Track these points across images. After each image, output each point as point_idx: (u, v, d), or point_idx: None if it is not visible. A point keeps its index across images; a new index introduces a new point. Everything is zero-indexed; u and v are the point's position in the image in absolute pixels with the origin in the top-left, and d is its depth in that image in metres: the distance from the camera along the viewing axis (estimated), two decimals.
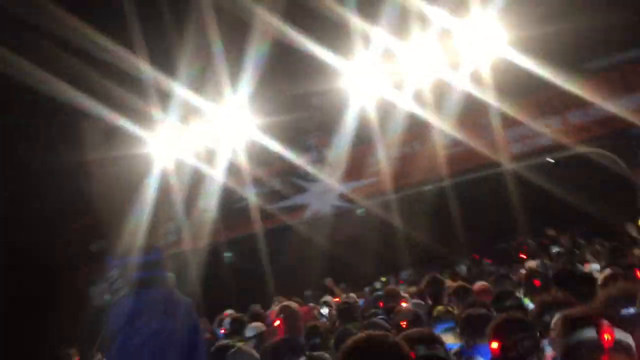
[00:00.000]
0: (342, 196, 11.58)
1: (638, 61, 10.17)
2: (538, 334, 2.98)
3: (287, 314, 6.08)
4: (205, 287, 12.18)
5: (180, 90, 10.24)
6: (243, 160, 11.65)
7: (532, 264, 8.17)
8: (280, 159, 11.60)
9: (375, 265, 13.36)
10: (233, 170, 11.81)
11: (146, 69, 9.42)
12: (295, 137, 11.58)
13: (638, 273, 4.83)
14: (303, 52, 9.62)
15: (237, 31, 9.24)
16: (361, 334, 1.99)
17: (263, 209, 11.75)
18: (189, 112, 11.25)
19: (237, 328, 7.82)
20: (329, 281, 10.11)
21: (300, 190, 11.72)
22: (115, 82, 9.38)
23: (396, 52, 10.60)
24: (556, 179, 10.44)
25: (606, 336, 1.99)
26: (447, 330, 4.44)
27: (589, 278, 4.59)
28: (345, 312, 6.23)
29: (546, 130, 10.57)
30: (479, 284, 6.35)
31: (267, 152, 11.55)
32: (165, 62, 9.77)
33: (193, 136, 11.79)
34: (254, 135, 11.42)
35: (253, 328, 7.06)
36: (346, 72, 10.53)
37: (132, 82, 9.57)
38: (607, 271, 4.83)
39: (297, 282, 12.63)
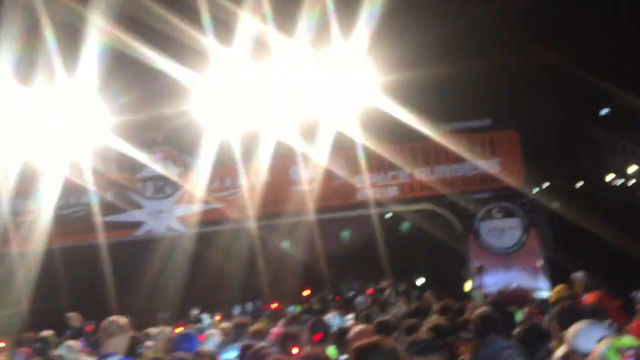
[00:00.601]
0: (181, 219, 10.98)
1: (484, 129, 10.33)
2: None
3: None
4: (35, 294, 11.33)
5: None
6: (85, 163, 10.83)
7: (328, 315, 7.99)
8: (121, 168, 10.87)
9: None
10: (74, 172, 10.97)
11: None
12: (141, 144, 10.85)
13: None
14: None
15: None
16: None
17: (99, 220, 10.96)
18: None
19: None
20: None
21: (136, 206, 11.00)
22: None
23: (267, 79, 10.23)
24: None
25: None
26: None
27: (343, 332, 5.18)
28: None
29: (393, 181, 10.54)
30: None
31: (109, 158, 10.80)
32: None
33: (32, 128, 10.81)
34: (100, 135, 10.59)
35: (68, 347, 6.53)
36: (202, 93, 10.00)
37: None
38: (357, 328, 5.23)
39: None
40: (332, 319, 7.00)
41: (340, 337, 5.05)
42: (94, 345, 6.76)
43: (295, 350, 4.35)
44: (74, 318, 9.03)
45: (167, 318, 10.90)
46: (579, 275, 9.39)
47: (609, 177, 14.27)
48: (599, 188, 12.61)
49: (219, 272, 15.09)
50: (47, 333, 8.62)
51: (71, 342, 6.96)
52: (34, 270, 11.28)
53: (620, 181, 14.30)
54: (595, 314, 4.62)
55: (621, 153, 13.29)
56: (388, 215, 12.30)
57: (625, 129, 12.56)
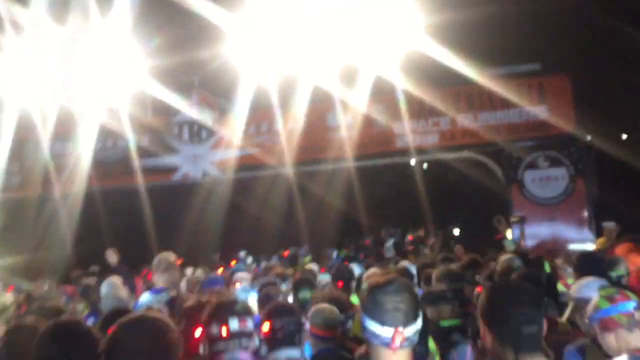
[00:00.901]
0: (217, 164, 10.89)
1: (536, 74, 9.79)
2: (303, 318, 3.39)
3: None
4: (78, 237, 11.57)
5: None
6: (121, 106, 10.79)
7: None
8: (156, 112, 10.79)
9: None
10: (111, 116, 10.95)
11: None
12: (177, 88, 10.71)
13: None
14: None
15: None
16: None
17: (136, 163, 11.00)
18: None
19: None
20: None
21: (172, 150, 10.94)
22: None
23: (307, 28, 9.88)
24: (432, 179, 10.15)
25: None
26: None
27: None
28: None
29: (434, 128, 10.17)
30: None
31: (144, 102, 10.72)
32: None
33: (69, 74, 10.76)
34: (136, 78, 10.50)
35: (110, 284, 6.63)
36: (239, 36, 9.71)
37: None
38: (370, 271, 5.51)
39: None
40: (357, 267, 6.92)
41: (359, 285, 5.04)
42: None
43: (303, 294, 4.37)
44: (111, 254, 9.12)
45: (215, 260, 10.97)
46: (610, 225, 9.04)
47: None
48: None
49: (256, 220, 15.12)
50: (93, 269, 8.80)
51: (113, 279, 7.02)
52: (76, 213, 11.47)
53: None
54: (613, 264, 4.62)
55: None
56: (428, 163, 11.94)
57: None
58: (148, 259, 6.53)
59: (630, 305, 2.91)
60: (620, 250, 5.45)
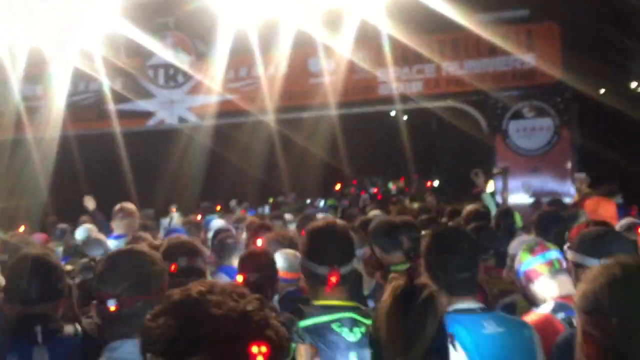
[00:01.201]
0: (194, 110, 10.53)
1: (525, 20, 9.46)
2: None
3: None
4: (53, 183, 11.30)
5: None
6: (93, 48, 10.32)
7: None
8: (129, 54, 10.34)
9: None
10: (82, 58, 10.49)
11: None
12: (151, 30, 10.22)
13: None
14: None
15: None
16: None
17: (110, 108, 10.60)
18: None
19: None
20: None
21: (147, 95, 10.53)
22: None
23: None
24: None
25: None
26: None
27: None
28: None
29: (418, 75, 9.87)
30: None
31: (117, 44, 10.25)
32: None
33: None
34: (109, 18, 10.00)
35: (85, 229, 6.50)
36: None
37: None
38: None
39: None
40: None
41: None
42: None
43: (259, 241, 4.45)
44: (89, 201, 8.93)
45: (207, 207, 10.79)
46: (580, 175, 8.95)
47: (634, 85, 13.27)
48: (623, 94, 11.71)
49: (237, 169, 14.90)
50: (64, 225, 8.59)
51: (87, 224, 6.91)
52: (51, 159, 11.16)
53: None
54: (573, 220, 4.63)
55: None
56: (410, 113, 11.70)
57: None
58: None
59: (551, 254, 3.00)
60: (588, 203, 5.36)
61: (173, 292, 1.25)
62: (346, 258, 2.41)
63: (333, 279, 2.34)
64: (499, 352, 2.21)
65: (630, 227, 4.49)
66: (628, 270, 1.24)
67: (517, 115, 9.51)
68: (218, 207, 11.17)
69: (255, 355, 1.12)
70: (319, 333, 2.28)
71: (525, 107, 9.46)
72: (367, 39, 9.89)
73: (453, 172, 11.96)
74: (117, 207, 5.85)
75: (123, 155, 11.19)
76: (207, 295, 1.20)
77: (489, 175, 9.43)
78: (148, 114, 10.56)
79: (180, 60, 10.31)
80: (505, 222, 5.43)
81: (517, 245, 3.68)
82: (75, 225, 7.81)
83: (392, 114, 13.53)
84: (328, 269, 2.34)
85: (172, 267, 2.89)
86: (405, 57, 9.91)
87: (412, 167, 12.49)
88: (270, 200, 13.55)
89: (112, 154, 11.25)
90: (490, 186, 10.55)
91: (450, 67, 9.73)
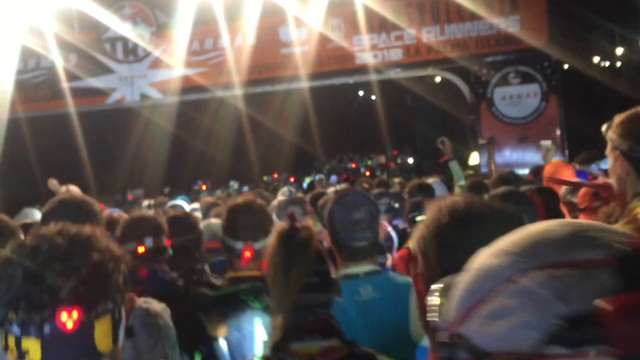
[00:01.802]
0: (156, 86, 9.73)
1: None
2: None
3: None
4: (3, 171, 10.45)
5: None
6: (43, 22, 9.44)
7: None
8: (83, 27, 9.49)
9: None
10: (31, 32, 9.60)
11: None
12: (107, 1, 9.42)
13: None
14: None
15: None
16: None
17: (64, 86, 9.74)
18: None
19: None
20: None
21: (104, 70, 9.69)
22: None
23: None
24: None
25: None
26: None
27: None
28: None
29: (397, 43, 9.28)
30: None
31: (69, 16, 9.39)
32: None
33: None
34: None
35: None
36: None
37: None
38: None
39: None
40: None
41: None
42: None
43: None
44: (54, 184, 8.24)
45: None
46: (545, 143, 8.53)
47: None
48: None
49: (202, 151, 14.21)
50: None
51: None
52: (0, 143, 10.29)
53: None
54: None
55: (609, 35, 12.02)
56: (389, 83, 11.12)
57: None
58: (85, 190, 5.92)
59: None
60: (547, 168, 5.08)
61: None
62: (261, 234, 2.51)
63: (247, 254, 2.49)
64: (368, 318, 2.26)
65: (573, 191, 4.14)
66: (449, 213, 1.27)
67: (503, 82, 9.01)
68: (204, 187, 10.65)
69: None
70: (228, 303, 2.39)
71: (511, 73, 8.95)
72: (341, 4, 9.28)
73: (430, 148, 11.43)
74: (63, 188, 5.43)
75: (78, 137, 10.40)
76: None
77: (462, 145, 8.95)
78: (107, 91, 9.72)
79: (140, 33, 9.50)
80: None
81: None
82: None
83: (361, 93, 12.91)
84: (243, 245, 2.49)
85: (139, 249, 2.76)
86: (382, 23, 9.30)
87: (389, 144, 11.97)
88: (265, 178, 13.12)
89: (67, 136, 10.44)
90: (475, 157, 10.11)
91: (431, 33, 9.15)
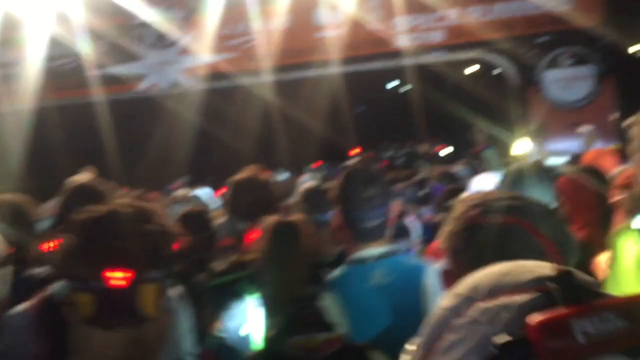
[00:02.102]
0: (187, 72, 9.40)
1: None
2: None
3: None
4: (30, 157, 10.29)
5: None
6: (72, 7, 9.20)
7: None
8: (113, 12, 9.20)
9: None
10: (59, 18, 9.36)
11: None
12: None
13: None
14: None
15: None
16: None
17: (93, 73, 9.48)
18: None
19: None
20: None
21: (134, 57, 9.39)
22: None
23: None
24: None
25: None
26: None
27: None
28: None
29: (439, 24, 8.79)
30: None
31: (99, 1, 9.13)
32: None
33: None
34: None
35: None
36: None
37: None
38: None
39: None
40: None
41: None
42: None
43: None
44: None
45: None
46: (585, 129, 7.95)
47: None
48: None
49: (228, 142, 13.93)
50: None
51: None
52: (27, 132, 10.12)
53: None
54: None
55: None
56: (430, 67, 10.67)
57: None
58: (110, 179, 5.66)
59: None
60: (586, 156, 4.86)
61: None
62: (266, 213, 2.35)
63: (251, 236, 2.37)
64: (382, 303, 2.12)
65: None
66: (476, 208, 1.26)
67: (554, 64, 8.44)
68: None
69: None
70: (224, 293, 2.31)
71: (563, 54, 8.38)
72: None
73: (469, 137, 10.93)
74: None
75: (108, 128, 10.17)
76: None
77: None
78: (136, 78, 9.43)
79: (170, 17, 9.17)
80: None
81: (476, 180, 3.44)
82: None
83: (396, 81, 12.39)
84: (245, 224, 2.42)
85: None
86: (423, 3, 8.80)
87: (427, 131, 11.52)
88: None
89: (96, 127, 10.20)
90: (519, 147, 9.57)
91: (475, 13, 8.62)
